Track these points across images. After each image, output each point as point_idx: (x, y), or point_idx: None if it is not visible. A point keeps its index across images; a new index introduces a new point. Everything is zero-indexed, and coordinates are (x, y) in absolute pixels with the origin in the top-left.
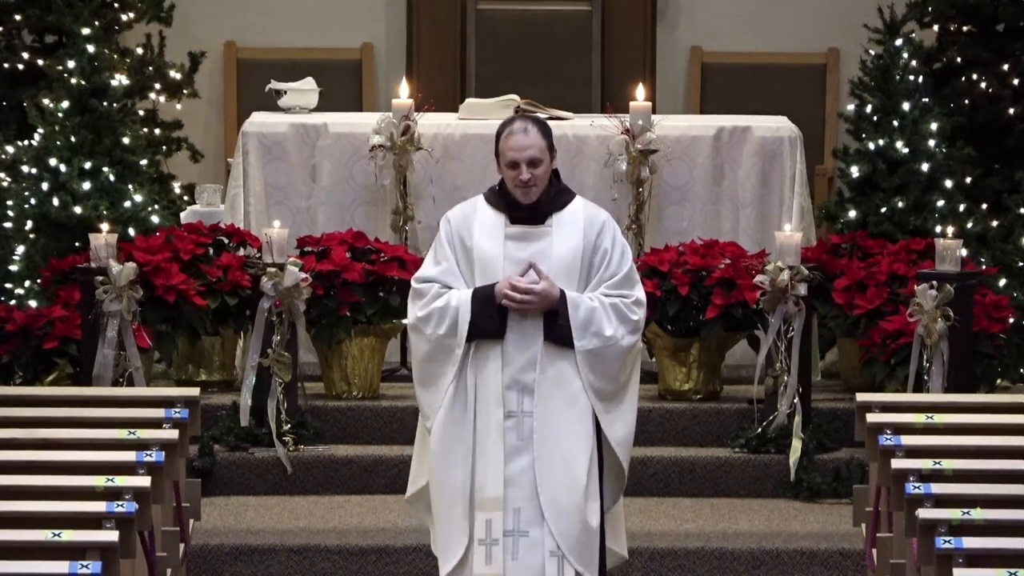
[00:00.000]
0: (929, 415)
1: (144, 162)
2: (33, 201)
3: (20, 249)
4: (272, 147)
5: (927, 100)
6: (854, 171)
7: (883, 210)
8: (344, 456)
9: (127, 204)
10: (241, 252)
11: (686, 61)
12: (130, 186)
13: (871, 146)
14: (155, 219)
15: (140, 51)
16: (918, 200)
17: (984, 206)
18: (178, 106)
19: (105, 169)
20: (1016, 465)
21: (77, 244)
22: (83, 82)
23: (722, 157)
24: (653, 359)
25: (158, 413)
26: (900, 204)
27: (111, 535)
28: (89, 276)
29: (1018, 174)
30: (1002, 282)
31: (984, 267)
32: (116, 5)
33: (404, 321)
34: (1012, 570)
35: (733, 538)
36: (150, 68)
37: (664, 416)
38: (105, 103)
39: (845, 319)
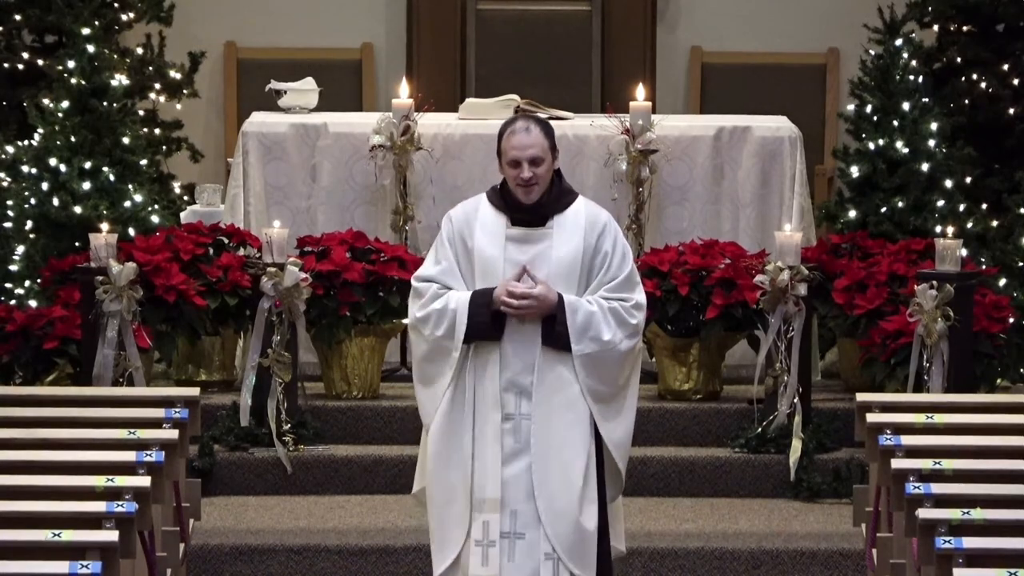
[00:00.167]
0: (929, 415)
1: (144, 162)
2: (33, 201)
3: (20, 249)
4: (272, 147)
5: (927, 100)
6: (854, 171)
7: (883, 210)
8: (344, 456)
9: (127, 204)
10: (241, 252)
11: (686, 61)
12: (130, 186)
13: (871, 146)
14: (155, 219)
15: (140, 51)
16: (918, 200)
17: (984, 206)
18: (178, 106)
19: (105, 169)
20: (1016, 465)
21: (77, 244)
22: (83, 82)
23: (722, 157)
24: (653, 359)
25: (158, 413)
26: (900, 204)
27: (111, 535)
28: (89, 276)
29: (1018, 174)
30: (1002, 282)
31: (984, 267)
32: (116, 5)
33: (404, 321)
34: (1012, 570)
35: (733, 538)
36: (150, 68)
37: (664, 416)
38: (105, 103)
39: (845, 319)
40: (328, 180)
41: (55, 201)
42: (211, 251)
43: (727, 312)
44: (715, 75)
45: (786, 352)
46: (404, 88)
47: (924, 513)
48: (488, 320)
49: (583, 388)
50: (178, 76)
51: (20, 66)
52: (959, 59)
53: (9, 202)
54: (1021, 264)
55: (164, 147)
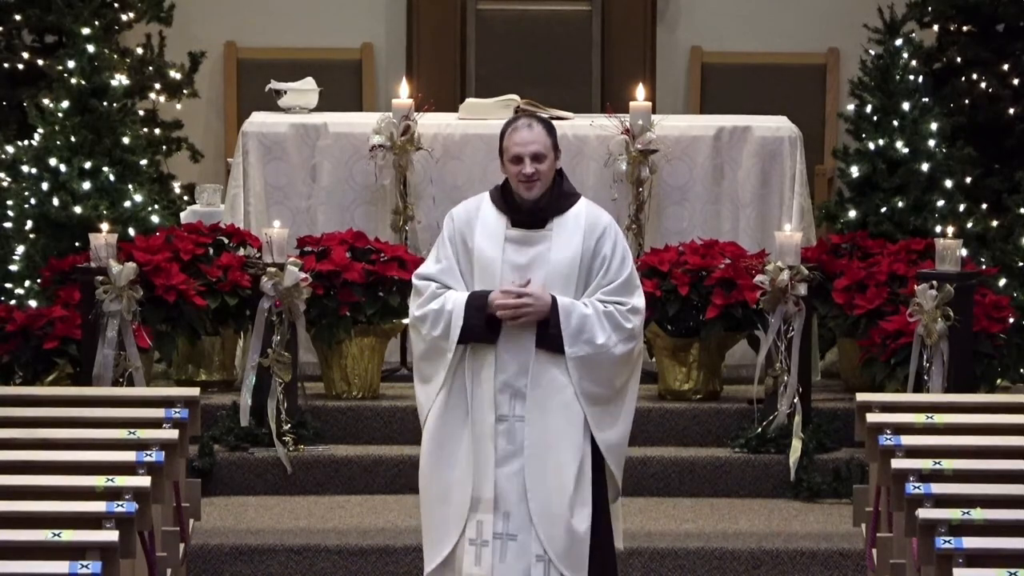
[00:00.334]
0: (929, 415)
1: (144, 162)
2: (33, 201)
3: (20, 249)
4: (272, 147)
5: (927, 100)
6: (854, 171)
7: (883, 210)
8: (344, 456)
9: (127, 204)
10: (241, 252)
11: (686, 61)
12: (130, 186)
13: (871, 146)
14: (155, 219)
15: (140, 51)
16: (918, 200)
17: (984, 206)
18: (178, 106)
19: (105, 169)
20: (1016, 465)
21: (77, 244)
22: (83, 82)
23: (722, 157)
24: (653, 359)
25: (158, 413)
26: (900, 204)
27: (111, 535)
28: (89, 276)
29: (1018, 174)
30: (1002, 282)
31: (984, 267)
32: (116, 5)
33: (404, 321)
34: (1012, 570)
35: (733, 538)
36: (150, 68)
37: (664, 416)
38: (105, 103)
39: (845, 319)
40: (328, 180)
41: (55, 201)
42: (211, 251)
43: (727, 312)
44: (715, 75)
45: (786, 352)
46: (404, 88)
47: (924, 513)
48: (483, 324)
49: (577, 390)
50: (178, 76)
51: (20, 66)
52: (959, 59)
53: (9, 202)
54: (1021, 264)
55: (164, 147)
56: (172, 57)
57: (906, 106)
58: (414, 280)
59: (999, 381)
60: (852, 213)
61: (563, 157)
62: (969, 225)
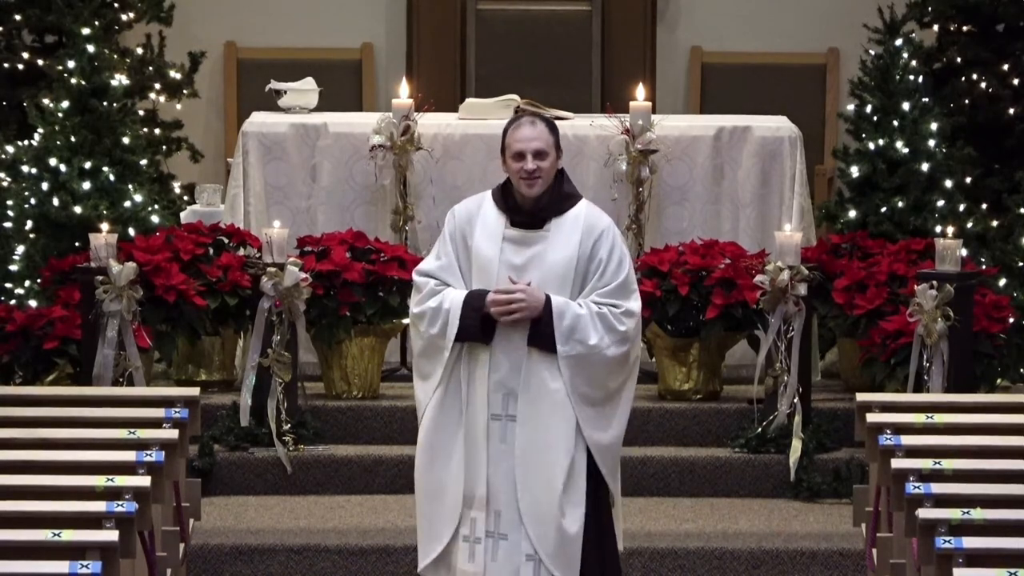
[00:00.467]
0: (929, 415)
1: (144, 162)
2: (33, 201)
3: (20, 249)
4: (272, 147)
5: (927, 100)
6: (854, 171)
7: (883, 210)
8: (344, 456)
9: (127, 204)
10: (241, 252)
11: (686, 61)
12: (130, 186)
13: (871, 146)
14: (155, 219)
15: (140, 51)
16: (918, 200)
17: (984, 206)
18: (178, 106)
19: (105, 169)
20: (1016, 465)
21: (77, 244)
22: (83, 82)
23: (722, 157)
24: (653, 359)
25: (158, 413)
26: (900, 204)
27: (111, 535)
28: (89, 276)
29: (1018, 174)
30: (1002, 282)
31: (984, 267)
32: (116, 5)
33: (404, 321)
34: (1012, 570)
35: (733, 538)
36: (150, 68)
37: (664, 416)
38: (105, 103)
39: (845, 319)
40: (328, 180)
41: (55, 201)
42: (211, 251)
43: (727, 312)
44: (715, 75)
45: (786, 352)
46: (404, 88)
47: (924, 513)
48: (478, 324)
49: (569, 390)
50: (178, 76)
51: (20, 66)
52: (959, 59)
53: (9, 202)
54: (1021, 264)
55: (164, 147)
56: (172, 57)
57: (906, 106)
58: (414, 276)
59: (999, 381)
60: (852, 213)
61: (564, 157)
62: (969, 225)
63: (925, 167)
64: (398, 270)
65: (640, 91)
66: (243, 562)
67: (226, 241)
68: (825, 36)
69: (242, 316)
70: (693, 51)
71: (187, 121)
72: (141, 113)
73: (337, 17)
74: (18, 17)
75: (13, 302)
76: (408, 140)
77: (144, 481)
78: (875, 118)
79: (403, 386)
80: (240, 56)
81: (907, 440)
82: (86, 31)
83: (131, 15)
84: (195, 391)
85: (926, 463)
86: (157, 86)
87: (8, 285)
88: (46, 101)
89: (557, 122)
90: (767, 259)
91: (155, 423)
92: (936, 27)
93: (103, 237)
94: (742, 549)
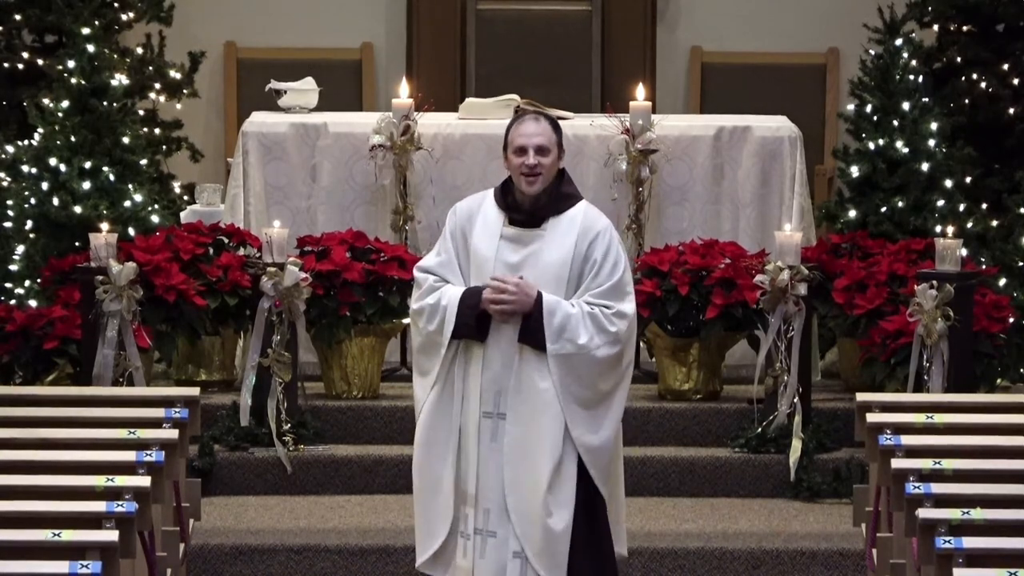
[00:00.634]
0: (929, 415)
1: (144, 162)
2: (33, 201)
3: (20, 249)
4: (272, 147)
5: (927, 100)
6: (854, 171)
7: (883, 210)
8: (344, 456)
9: (127, 204)
10: (241, 252)
11: (686, 61)
12: (130, 186)
13: (871, 146)
14: (155, 219)
15: (140, 51)
16: (918, 200)
17: (984, 206)
18: (178, 106)
19: (105, 169)
20: (1016, 465)
21: (77, 244)
22: (83, 82)
23: (722, 157)
24: (653, 359)
25: (158, 413)
26: (900, 204)
27: (111, 535)
28: (89, 276)
29: (1018, 174)
30: (1002, 282)
31: (984, 267)
32: (116, 5)
33: (404, 321)
34: (1012, 570)
35: (733, 538)
36: (150, 68)
37: (664, 416)
38: (105, 103)
39: (845, 319)
40: (328, 180)
41: (55, 201)
42: (211, 251)
43: (727, 312)
44: (715, 75)
45: (786, 352)
46: (404, 88)
47: (924, 513)
48: (473, 321)
49: (558, 390)
50: (178, 76)
51: (20, 66)
52: (959, 59)
53: (9, 202)
54: (1021, 264)
55: (164, 147)
56: (172, 57)
57: (906, 106)
58: (415, 272)
59: (999, 381)
60: (852, 213)
61: (564, 158)
62: (969, 225)
63: (925, 167)
64: (398, 270)
65: (640, 91)
66: (243, 562)
67: (226, 241)
68: (825, 36)
69: (242, 316)
70: (693, 51)
71: (187, 121)
72: (141, 113)
73: (337, 17)
74: (18, 17)
75: (13, 302)
76: (408, 140)
77: (144, 481)
78: (875, 118)
79: (403, 386)
80: (240, 56)
81: (907, 440)
82: (86, 31)
83: (131, 15)
84: (195, 391)
85: (926, 463)
86: (157, 86)
87: (8, 285)
88: (46, 101)
89: (560, 124)
90: (767, 259)
91: (155, 423)
92: (936, 27)
93: (103, 237)
94: (742, 549)
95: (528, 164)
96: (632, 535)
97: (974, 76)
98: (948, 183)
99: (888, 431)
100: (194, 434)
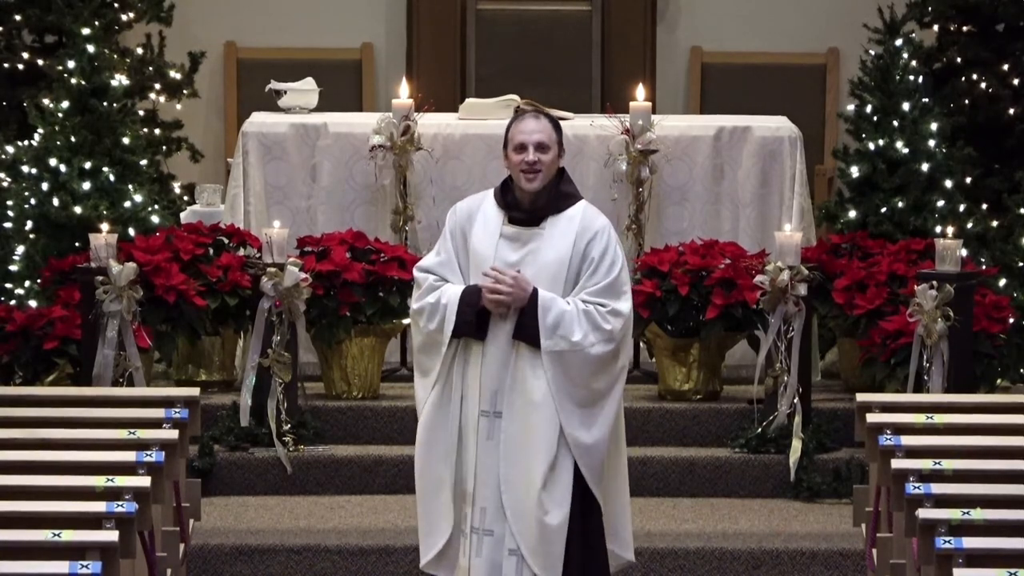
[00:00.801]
0: (929, 415)
1: (144, 162)
2: (33, 201)
3: (20, 249)
4: (272, 147)
5: (927, 100)
6: (854, 171)
7: (883, 210)
8: (344, 456)
9: (127, 204)
10: (241, 252)
11: (686, 61)
12: (130, 186)
13: (871, 146)
14: (155, 219)
15: (140, 51)
16: (918, 200)
17: (984, 206)
18: (178, 106)
19: (105, 169)
20: (1016, 465)
21: (77, 244)
22: (83, 82)
23: (722, 157)
24: (653, 359)
25: (158, 413)
26: (900, 204)
27: (111, 535)
28: (89, 276)
29: (1018, 174)
30: (1002, 282)
31: (984, 267)
32: (116, 5)
33: (404, 321)
34: (1012, 570)
35: (733, 538)
36: (150, 68)
37: (664, 416)
38: (105, 103)
39: (845, 319)
40: (328, 180)
41: (55, 201)
42: (211, 251)
43: (727, 312)
44: (715, 75)
45: (786, 352)
46: (404, 88)
47: (924, 513)
48: (473, 319)
49: (552, 388)
50: (178, 76)
51: (20, 66)
52: (959, 59)
53: (9, 202)
54: (1021, 264)
55: (164, 147)
56: (172, 57)
57: (906, 106)
58: (415, 272)
59: (999, 381)
60: (852, 213)
61: (564, 158)
62: (969, 225)
63: (925, 167)
64: (398, 270)
65: (640, 91)
66: (243, 562)
67: (226, 241)
68: (825, 36)
69: (242, 316)
70: (693, 51)
71: (187, 121)
72: (141, 113)
73: (337, 17)
74: (18, 17)
75: (13, 302)
76: (408, 140)
77: (144, 481)
78: (875, 118)
79: (403, 386)
80: (240, 56)
81: (907, 440)
82: (86, 31)
83: (131, 15)
84: (195, 391)
85: (926, 463)
86: (157, 86)
87: (8, 285)
88: (46, 101)
89: (560, 123)
90: (767, 259)
91: (155, 423)
92: (936, 27)
93: (103, 237)
94: (742, 549)
95: (528, 161)
96: (632, 535)
97: (974, 76)
98: (948, 183)
99: (888, 431)
100: (194, 434)
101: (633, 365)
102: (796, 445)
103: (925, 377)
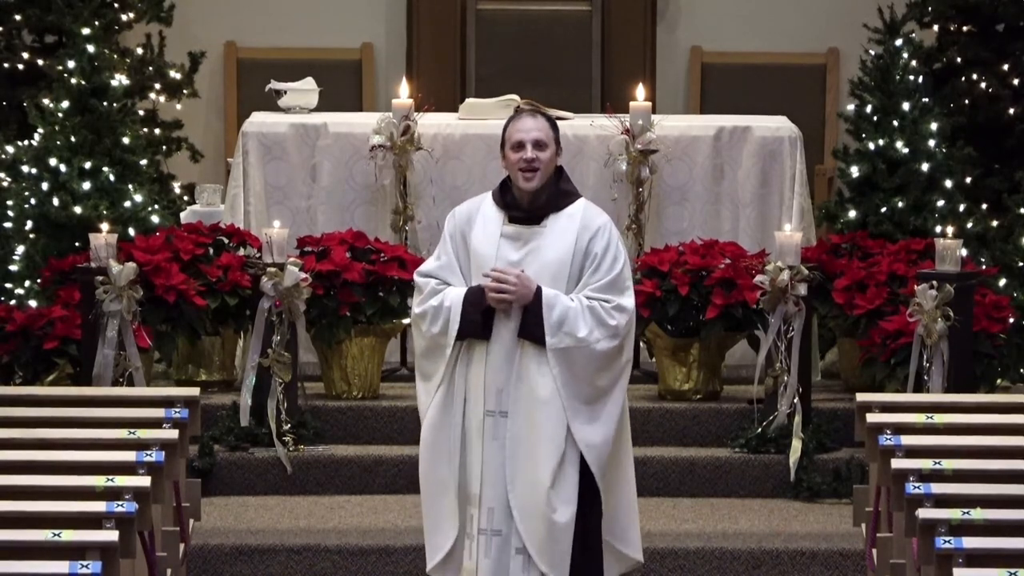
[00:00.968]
0: (929, 415)
1: (144, 162)
2: (33, 201)
3: (20, 249)
4: (272, 147)
5: (927, 100)
6: (854, 171)
7: (883, 210)
8: (344, 456)
9: (127, 204)
10: (241, 252)
11: (686, 61)
12: (130, 186)
13: (871, 146)
14: (155, 219)
15: (140, 51)
16: (918, 200)
17: (984, 206)
18: (178, 106)
19: (105, 169)
20: (1016, 465)
21: (77, 244)
22: (83, 82)
23: (722, 157)
24: (653, 359)
25: (158, 413)
26: (900, 204)
27: (111, 535)
28: (89, 276)
29: (1018, 174)
30: (1002, 282)
31: (984, 267)
32: (116, 5)
33: (404, 321)
34: (1012, 570)
35: (733, 538)
36: (150, 68)
37: (664, 416)
38: (105, 103)
39: (845, 319)
40: (328, 180)
41: (55, 201)
42: (211, 251)
43: (727, 312)
44: (715, 75)
45: (786, 352)
46: (404, 88)
47: (924, 513)
48: (479, 319)
49: (558, 384)
50: (178, 76)
51: (20, 66)
52: (959, 59)
53: (9, 202)
54: (1021, 264)
55: (164, 147)
56: (172, 57)
57: (906, 106)
58: (415, 278)
59: (999, 381)
60: (852, 213)
61: (563, 157)
62: (969, 225)
63: (925, 167)
64: (398, 270)
65: (640, 91)
66: (243, 562)
67: (226, 241)
68: (825, 36)
69: (242, 316)
70: (693, 51)
71: (187, 121)
72: (141, 113)
73: (337, 17)
74: (18, 17)
75: (13, 302)
76: (408, 140)
77: (144, 481)
78: (875, 118)
79: (403, 386)
80: (240, 56)
81: (907, 440)
82: (86, 31)
83: (131, 15)
84: (195, 391)
85: (926, 463)
86: (157, 86)
87: (8, 285)
88: (46, 101)
89: (557, 122)
90: (767, 259)
91: (155, 423)
92: (936, 27)
93: (103, 237)
94: (742, 549)
95: (526, 159)
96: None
97: (974, 76)
98: (948, 183)
99: (888, 431)
100: (194, 434)
101: (633, 365)
102: (796, 445)
103: (925, 377)
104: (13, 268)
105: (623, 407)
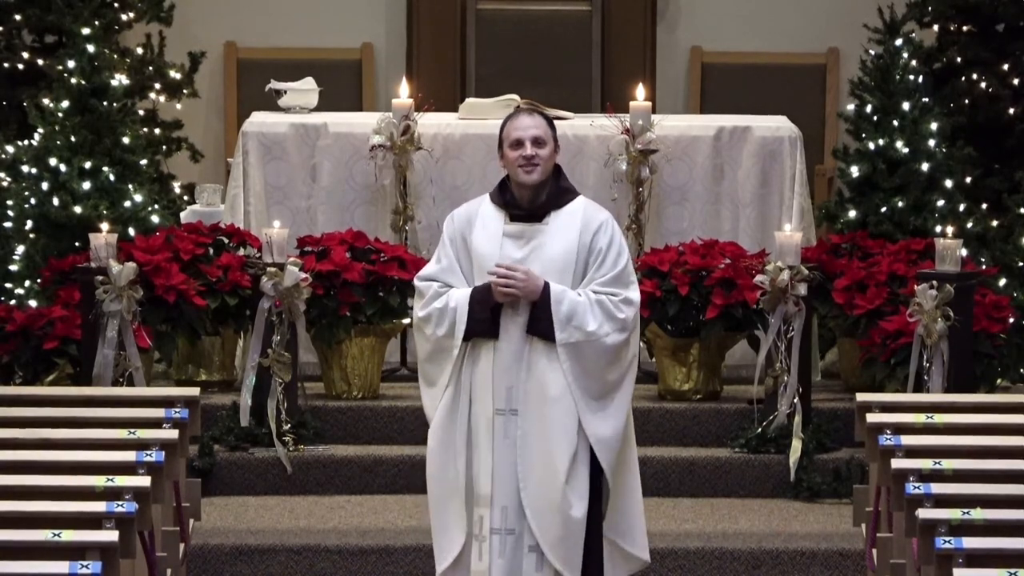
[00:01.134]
0: (929, 415)
1: (144, 162)
2: (33, 201)
3: (20, 249)
4: (272, 147)
5: (927, 100)
6: (854, 171)
7: (883, 210)
8: (344, 456)
9: (127, 204)
10: (241, 252)
11: (686, 61)
12: (130, 186)
13: (871, 146)
14: (155, 219)
15: (140, 51)
16: (918, 200)
17: (984, 206)
18: (178, 106)
19: (105, 169)
20: (1016, 465)
21: (77, 244)
22: (83, 82)
23: (722, 157)
24: (653, 359)
25: (158, 413)
26: (900, 204)
27: (111, 535)
28: (89, 276)
29: (1018, 174)
30: (1002, 282)
31: (984, 267)
32: (116, 5)
33: (404, 321)
34: (1012, 570)
35: (733, 538)
36: (150, 68)
37: (664, 416)
38: (105, 103)
39: (845, 319)
40: (328, 180)
41: (55, 201)
42: (211, 251)
43: (727, 312)
44: (715, 75)
45: (786, 352)
46: (404, 88)
47: (924, 513)
48: (488, 317)
49: (568, 380)
50: (178, 76)
51: (20, 66)
52: (959, 59)
53: (9, 202)
54: (1021, 264)
55: (164, 147)
56: (172, 57)
57: (906, 106)
58: (416, 282)
59: (999, 381)
60: (852, 213)
61: (563, 157)
62: (969, 225)
63: (925, 167)
64: (398, 270)
65: (640, 91)
66: (243, 562)
67: (226, 241)
68: (825, 36)
69: (242, 316)
70: (693, 51)
71: (187, 121)
72: (141, 113)
73: (337, 17)
74: (18, 17)
75: (13, 302)
76: (408, 140)
77: (144, 481)
78: (875, 118)
79: (403, 386)
80: (240, 56)
81: (907, 440)
82: (86, 31)
83: (131, 15)
84: (195, 391)
85: (926, 463)
86: (157, 86)
87: (8, 285)
88: (46, 101)
89: (557, 122)
90: (767, 259)
91: (155, 423)
92: (936, 27)
93: (103, 237)
94: (742, 549)
95: (526, 155)
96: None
97: (974, 76)
98: (948, 183)
99: (888, 431)
100: (194, 434)
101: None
102: (796, 445)
103: (925, 377)
104: (13, 268)
105: (630, 401)
